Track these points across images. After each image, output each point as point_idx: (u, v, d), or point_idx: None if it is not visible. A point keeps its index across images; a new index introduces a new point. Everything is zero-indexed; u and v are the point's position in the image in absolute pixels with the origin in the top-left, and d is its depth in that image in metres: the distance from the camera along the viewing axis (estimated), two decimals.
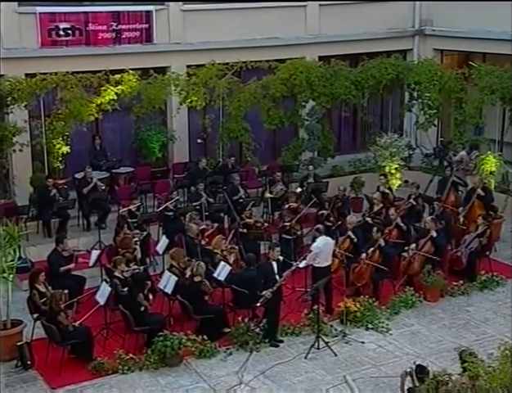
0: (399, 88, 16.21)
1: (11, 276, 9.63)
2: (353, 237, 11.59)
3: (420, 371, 7.99)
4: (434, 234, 11.44)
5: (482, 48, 15.68)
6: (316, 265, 10.52)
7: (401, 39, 16.94)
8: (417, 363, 8.30)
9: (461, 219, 12.77)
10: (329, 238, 10.83)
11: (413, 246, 11.52)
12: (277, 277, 9.86)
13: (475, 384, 7.14)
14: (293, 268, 10.33)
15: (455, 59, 17.20)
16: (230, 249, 11.40)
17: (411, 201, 12.97)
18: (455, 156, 14.60)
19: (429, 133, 16.16)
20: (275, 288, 9.69)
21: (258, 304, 9.73)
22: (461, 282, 11.57)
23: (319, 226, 11.38)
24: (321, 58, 15.69)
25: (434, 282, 11.17)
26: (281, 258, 10.27)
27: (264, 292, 9.65)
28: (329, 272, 10.63)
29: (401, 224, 12.09)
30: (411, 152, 15.80)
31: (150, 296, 9.94)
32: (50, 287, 9.92)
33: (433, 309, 10.98)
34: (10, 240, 9.61)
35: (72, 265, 10.76)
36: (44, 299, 9.70)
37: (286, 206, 12.79)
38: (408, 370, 8.08)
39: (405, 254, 11.55)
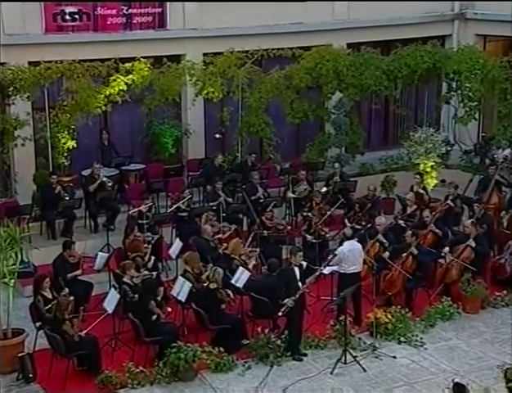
0: (436, 77, 16.15)
1: (12, 281, 9.69)
2: (384, 240, 11.52)
3: (459, 390, 7.88)
4: (473, 244, 11.32)
5: None
6: (342, 271, 10.48)
7: (438, 24, 16.81)
8: (455, 381, 8.19)
9: (505, 223, 12.66)
10: (356, 243, 10.77)
11: (446, 249, 11.41)
12: (300, 284, 9.83)
13: None
14: (316, 273, 10.29)
15: (500, 45, 17.08)
16: (249, 253, 11.38)
17: (449, 202, 12.90)
18: (498, 153, 14.47)
19: (469, 127, 16.06)
20: (297, 296, 9.67)
21: (280, 314, 9.70)
22: (505, 292, 11.49)
23: (346, 230, 11.33)
24: (349, 45, 15.63)
25: (474, 291, 11.09)
26: (305, 263, 10.24)
27: (286, 301, 9.63)
28: (358, 279, 10.57)
29: (437, 231, 11.97)
30: (449, 149, 15.70)
31: (165, 305, 9.95)
32: (55, 293, 9.98)
33: (474, 321, 10.91)
34: (11, 242, 9.68)
35: (79, 272, 10.81)
36: (49, 306, 9.74)
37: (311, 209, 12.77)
38: (445, 389, 8.00)
39: (441, 260, 11.47)
